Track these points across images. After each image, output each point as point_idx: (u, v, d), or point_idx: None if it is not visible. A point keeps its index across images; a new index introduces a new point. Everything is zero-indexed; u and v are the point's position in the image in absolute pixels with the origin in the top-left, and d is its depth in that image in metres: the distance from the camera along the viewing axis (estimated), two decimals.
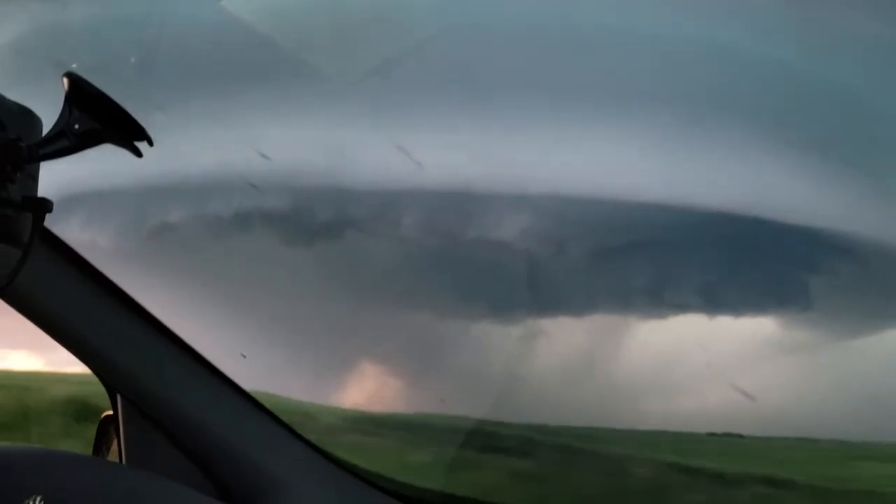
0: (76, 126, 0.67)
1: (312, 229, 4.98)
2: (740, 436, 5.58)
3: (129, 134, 0.71)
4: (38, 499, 0.74)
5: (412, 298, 5.31)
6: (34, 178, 0.71)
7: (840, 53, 5.66)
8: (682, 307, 5.52)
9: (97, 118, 0.69)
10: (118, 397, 1.23)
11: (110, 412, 1.36)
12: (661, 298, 5.42)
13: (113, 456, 1.35)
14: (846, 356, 5.93)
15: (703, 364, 5.78)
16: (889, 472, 5.40)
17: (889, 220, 6.02)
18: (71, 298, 1.12)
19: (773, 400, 5.68)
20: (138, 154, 0.71)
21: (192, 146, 4.50)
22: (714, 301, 5.40)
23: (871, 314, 6.01)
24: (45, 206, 0.72)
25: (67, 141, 0.69)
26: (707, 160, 5.03)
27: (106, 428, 1.40)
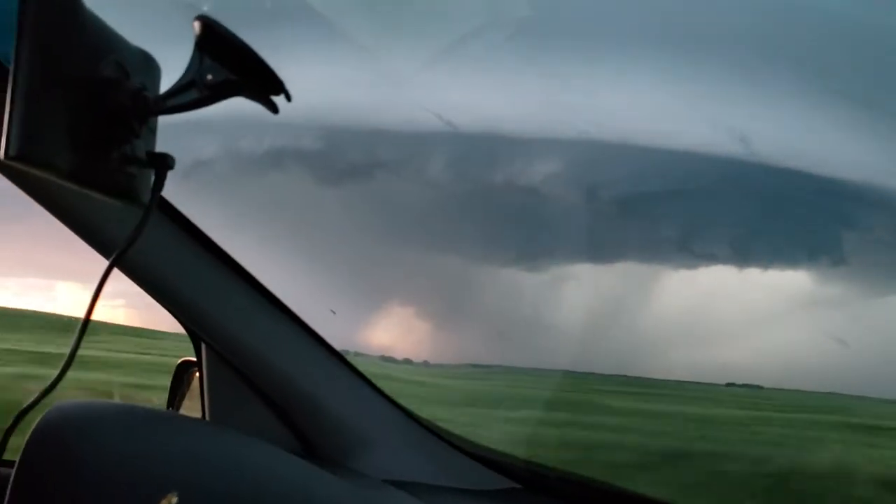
0: (208, 76, 0.60)
1: (342, 170, 5.06)
2: (759, 387, 5.63)
3: (266, 87, 0.65)
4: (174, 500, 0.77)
5: (442, 242, 5.39)
6: (154, 132, 0.67)
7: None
8: (711, 258, 5.55)
9: (232, 68, 0.63)
10: (203, 347, 1.20)
11: (186, 359, 1.36)
12: (691, 248, 5.46)
13: (189, 408, 1.36)
14: (878, 312, 5.92)
15: (731, 316, 5.82)
16: None
17: None
18: (155, 242, 1.09)
19: (798, 354, 5.71)
20: (275, 110, 0.64)
21: None
22: (744, 253, 5.41)
23: None
24: (168, 162, 0.69)
25: (197, 93, 0.61)
26: (745, 110, 4.99)
27: (181, 377, 1.38)
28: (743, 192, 4.87)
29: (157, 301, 1.14)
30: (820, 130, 5.17)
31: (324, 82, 4.47)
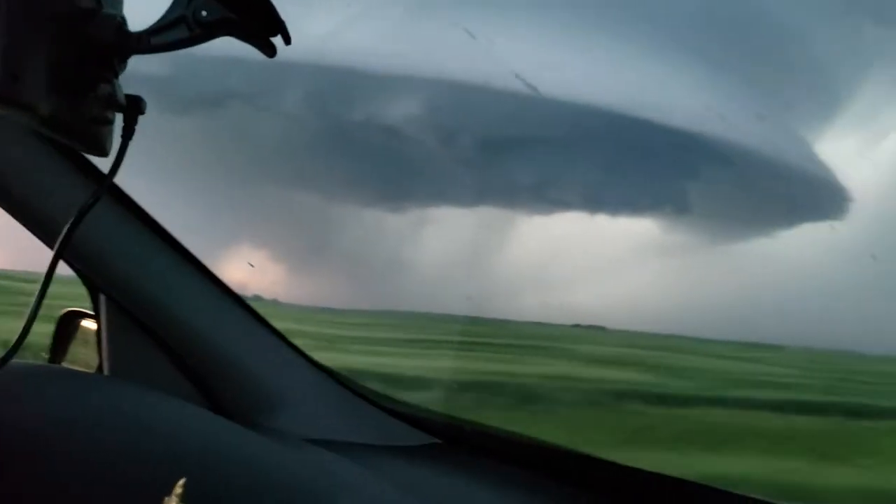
0: (202, 13, 0.58)
1: (193, 99, 4.82)
2: (603, 328, 5.96)
3: (264, 26, 0.59)
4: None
5: (299, 179, 5.29)
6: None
7: None
8: (564, 205, 5.75)
9: (230, 5, 0.56)
10: (101, 298, 1.10)
11: (70, 309, 1.24)
12: (545, 195, 5.62)
13: (82, 363, 1.24)
14: (717, 260, 6.35)
15: (581, 262, 6.08)
16: (740, 369, 5.91)
17: (771, 134, 6.36)
18: (48, 180, 0.99)
19: (643, 297, 6.05)
20: (272, 52, 0.59)
21: None
22: (595, 201, 5.64)
23: (744, 222, 6.42)
24: (142, 107, 0.62)
25: (187, 31, 0.56)
26: (601, 58, 5.14)
27: (66, 328, 1.25)
28: (596, 141, 5.05)
29: (47, 243, 1.04)
30: (669, 84, 5.40)
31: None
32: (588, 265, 5.82)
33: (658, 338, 5.81)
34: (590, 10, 4.86)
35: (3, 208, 1.00)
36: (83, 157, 1.00)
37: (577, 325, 5.73)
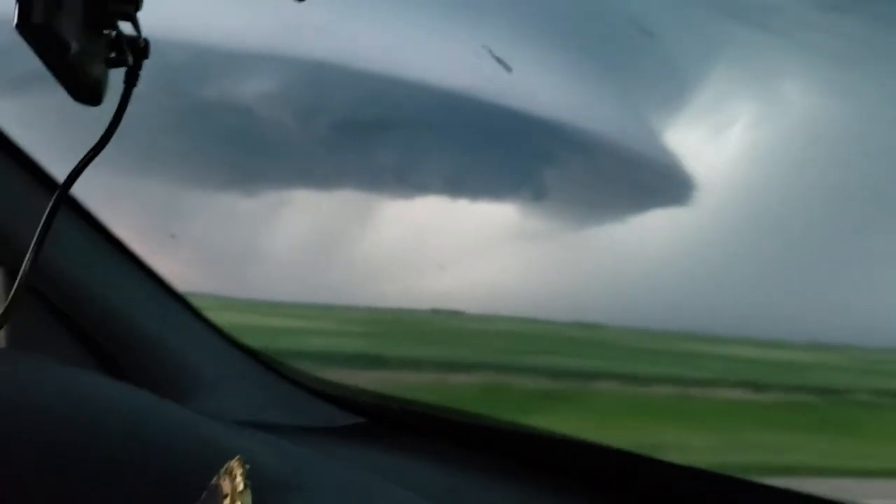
0: None
1: (19, 76, 4.47)
2: (461, 312, 6.07)
3: None
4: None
5: (145, 162, 5.02)
6: None
7: None
8: (426, 189, 5.76)
9: None
10: None
11: None
12: (404, 179, 5.61)
13: None
14: (571, 245, 6.57)
15: (442, 246, 6.13)
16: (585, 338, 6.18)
17: (624, 123, 6.63)
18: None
19: (502, 282, 6.18)
20: None
21: None
22: (456, 185, 5.69)
23: (597, 206, 6.68)
24: (148, 49, 0.61)
25: None
26: (461, 44, 5.17)
27: None
28: (456, 124, 5.09)
29: None
30: (530, 72, 5.51)
31: None
32: (449, 250, 5.86)
33: (514, 321, 5.98)
34: None
35: None
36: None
37: (436, 311, 5.78)
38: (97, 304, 1.03)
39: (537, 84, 5.73)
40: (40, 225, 0.55)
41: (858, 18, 5.59)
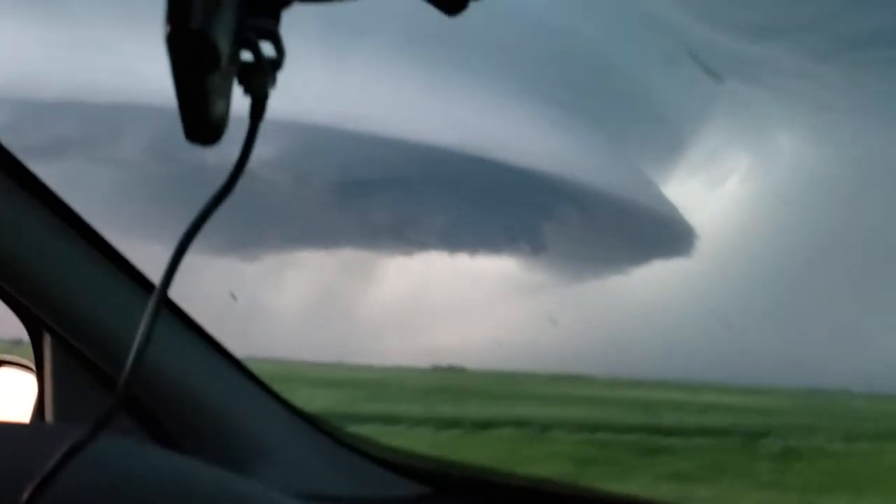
0: None
1: (25, 149, 4.58)
2: (463, 368, 6.06)
3: None
4: None
5: (142, 229, 5.11)
6: None
7: (597, 18, 6.16)
8: (423, 245, 5.83)
9: None
10: (45, 340, 0.92)
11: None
12: (403, 236, 5.68)
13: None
14: (573, 298, 6.60)
15: (442, 302, 6.16)
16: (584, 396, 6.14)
17: (620, 176, 6.72)
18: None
19: (504, 336, 6.19)
20: (458, 6, 0.40)
21: None
22: (453, 240, 5.75)
23: (597, 259, 6.73)
24: (276, 73, 0.44)
25: None
26: (455, 101, 5.29)
27: None
28: (451, 180, 5.16)
29: None
30: (524, 126, 5.62)
31: (9, 48, 4.04)
32: (449, 305, 5.90)
33: (516, 376, 5.96)
34: (446, 54, 5.01)
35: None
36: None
37: (436, 367, 5.79)
38: (153, 373, 1.00)
39: (532, 139, 5.83)
40: (141, 329, 0.45)
41: (840, 67, 5.71)
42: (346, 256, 5.76)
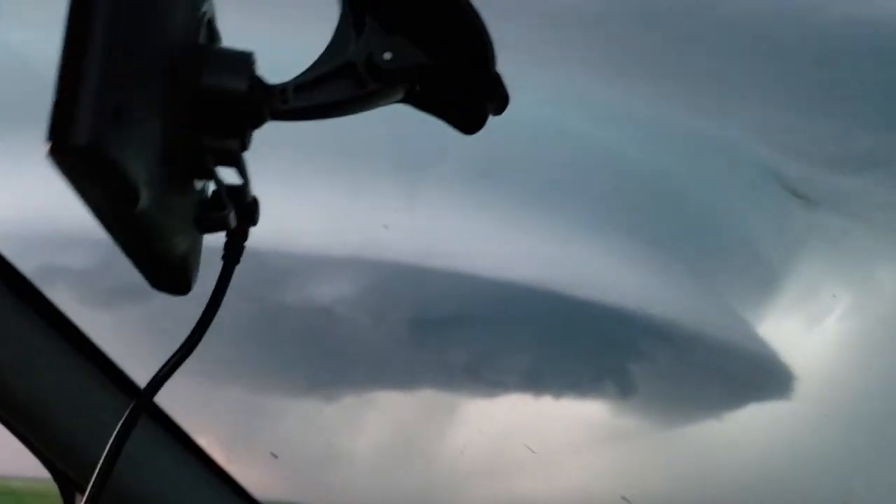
0: (384, 56, 0.39)
1: (113, 289, 4.79)
2: None
3: (474, 85, 0.42)
4: None
5: (225, 369, 5.17)
6: None
7: (688, 158, 6.19)
8: (505, 386, 5.68)
9: (429, 45, 0.39)
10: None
11: None
12: (482, 376, 5.56)
13: None
14: (667, 444, 6.26)
15: (528, 448, 5.93)
16: None
17: (711, 313, 6.51)
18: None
19: (594, 487, 5.88)
20: (476, 126, 0.42)
21: None
22: (536, 381, 5.59)
23: (686, 403, 6.41)
24: (257, 212, 0.45)
25: (356, 84, 0.39)
26: (533, 236, 5.29)
27: None
28: (531, 318, 5.08)
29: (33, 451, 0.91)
30: (607, 262, 5.56)
31: None
32: (536, 452, 5.67)
33: None
34: (521, 188, 5.05)
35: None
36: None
37: None
38: (125, 488, 0.98)
39: (617, 275, 5.75)
40: (112, 438, 0.43)
41: None
42: (425, 397, 5.67)
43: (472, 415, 5.86)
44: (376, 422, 5.96)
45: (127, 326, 4.93)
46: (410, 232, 4.32)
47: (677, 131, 5.95)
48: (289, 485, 5.61)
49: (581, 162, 5.64)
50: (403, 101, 0.38)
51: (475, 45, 0.35)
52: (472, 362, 5.26)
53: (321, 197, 4.45)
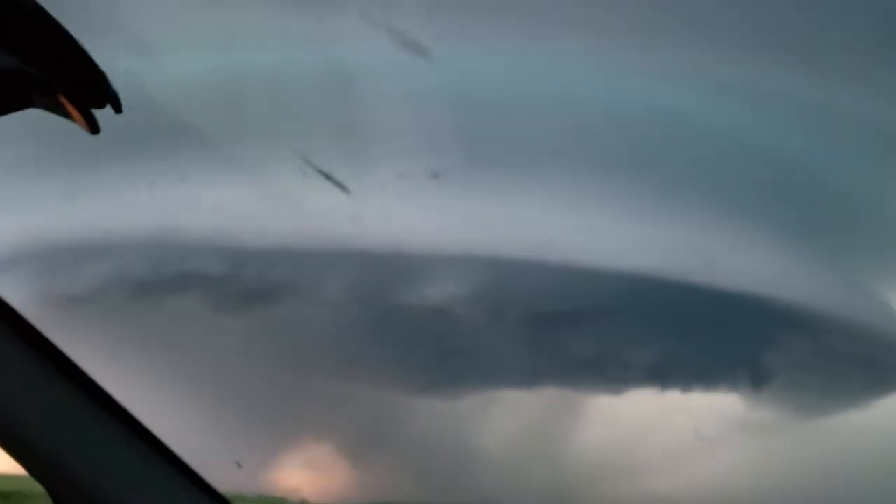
0: None
1: (242, 294, 4.96)
2: None
3: (85, 91, 0.44)
4: None
5: (349, 370, 5.27)
6: None
7: (816, 132, 5.89)
8: (630, 381, 5.53)
9: (24, 53, 0.40)
10: None
11: None
12: (607, 372, 5.43)
13: None
14: (800, 436, 5.95)
15: (659, 443, 5.78)
16: None
17: (846, 297, 6.16)
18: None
19: (730, 482, 5.67)
20: (95, 129, 0.46)
21: (113, 208, 4.50)
22: (663, 375, 5.42)
23: (826, 393, 6.07)
24: None
25: None
26: (655, 224, 5.13)
27: None
28: (656, 310, 4.94)
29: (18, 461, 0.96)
30: (736, 249, 5.34)
31: (222, 203, 4.43)
32: (666, 447, 5.52)
33: None
34: (641, 177, 4.92)
35: None
36: None
37: None
38: None
39: (746, 262, 5.51)
40: None
41: None
42: (549, 394, 5.61)
43: (598, 411, 5.76)
44: (501, 420, 5.95)
45: (256, 329, 5.09)
46: (526, 227, 4.27)
47: (807, 107, 5.66)
48: (419, 483, 5.67)
49: (704, 146, 5.45)
50: (23, 101, 0.37)
51: (74, 55, 0.34)
52: (597, 358, 5.16)
53: (433, 196, 4.47)
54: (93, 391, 0.96)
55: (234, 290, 4.91)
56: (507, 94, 4.55)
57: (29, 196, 4.26)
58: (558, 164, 4.78)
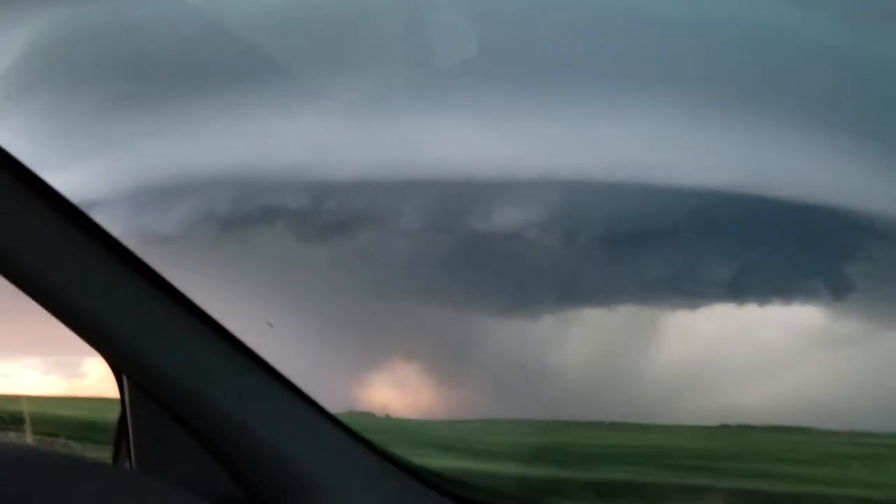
0: None
1: (324, 225, 5.14)
2: (752, 427, 5.59)
3: None
4: None
5: (429, 295, 5.43)
6: None
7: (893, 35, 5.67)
8: (707, 297, 5.55)
9: None
10: (125, 382, 1.07)
11: None
12: (682, 289, 5.46)
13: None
14: (888, 347, 5.89)
15: (736, 357, 5.80)
16: None
17: None
18: (66, 255, 0.94)
19: (811, 395, 5.68)
20: None
21: (196, 144, 4.69)
22: (740, 290, 5.42)
23: None
24: None
25: None
26: (728, 138, 5.05)
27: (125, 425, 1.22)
28: (730, 225, 4.91)
29: (66, 322, 1.08)
30: (812, 159, 5.23)
31: (302, 137, 4.57)
32: (742, 361, 5.57)
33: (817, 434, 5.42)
34: (706, 87, 4.84)
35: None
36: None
37: (724, 426, 5.46)
38: (212, 406, 1.07)
39: (823, 172, 5.39)
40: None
41: None
42: (626, 312, 5.67)
43: (675, 328, 5.81)
44: (579, 339, 6.06)
45: (339, 259, 5.28)
46: (598, 147, 4.28)
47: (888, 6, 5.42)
48: (499, 401, 5.86)
49: (781, 55, 5.30)
50: None
51: None
52: (672, 276, 5.18)
53: (504, 119, 4.51)
54: (188, 307, 1.07)
55: (317, 221, 5.08)
56: (576, 11, 4.50)
57: (119, 135, 4.44)
58: (629, 81, 4.74)
